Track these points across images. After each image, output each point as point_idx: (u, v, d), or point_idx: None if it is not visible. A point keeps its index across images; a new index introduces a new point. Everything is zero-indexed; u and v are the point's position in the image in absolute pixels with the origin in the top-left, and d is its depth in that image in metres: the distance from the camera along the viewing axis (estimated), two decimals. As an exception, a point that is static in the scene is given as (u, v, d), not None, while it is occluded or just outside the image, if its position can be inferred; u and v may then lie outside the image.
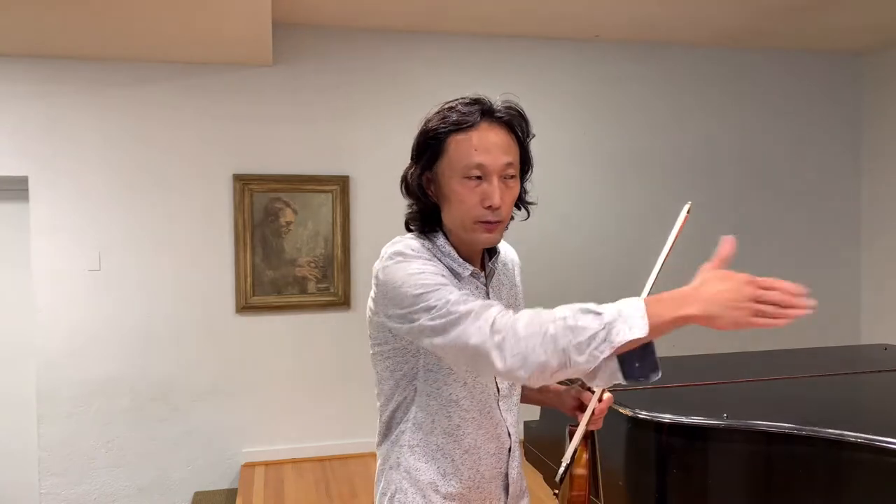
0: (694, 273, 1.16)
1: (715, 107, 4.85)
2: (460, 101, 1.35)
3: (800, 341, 4.26)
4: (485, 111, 1.33)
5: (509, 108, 1.36)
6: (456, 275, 1.38)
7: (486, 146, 1.31)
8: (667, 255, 1.36)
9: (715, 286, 1.09)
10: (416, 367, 1.40)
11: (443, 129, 1.33)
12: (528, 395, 1.61)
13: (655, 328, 1.10)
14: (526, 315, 1.17)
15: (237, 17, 3.36)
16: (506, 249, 1.58)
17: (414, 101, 4.26)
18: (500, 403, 1.46)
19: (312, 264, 4.25)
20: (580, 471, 1.45)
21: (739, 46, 4.83)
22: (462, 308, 1.21)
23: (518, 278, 1.58)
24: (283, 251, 4.21)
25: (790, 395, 2.42)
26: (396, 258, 1.32)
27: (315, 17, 4.09)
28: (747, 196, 4.90)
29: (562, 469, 1.46)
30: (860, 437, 1.79)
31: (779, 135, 4.96)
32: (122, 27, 3.46)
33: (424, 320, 1.24)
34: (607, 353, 1.09)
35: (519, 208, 1.45)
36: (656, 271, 1.35)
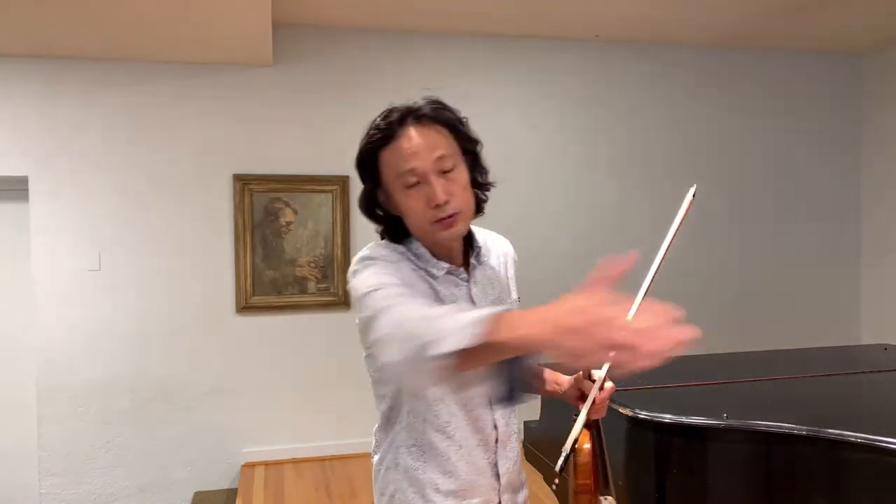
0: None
1: (715, 107, 4.84)
2: (378, 116, 1.36)
3: (800, 341, 4.26)
4: (401, 117, 1.34)
5: (428, 102, 1.36)
6: (431, 275, 1.39)
7: (410, 150, 1.31)
8: (672, 240, 1.38)
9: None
10: None
11: (370, 149, 1.35)
12: (534, 385, 1.59)
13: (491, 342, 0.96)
14: (413, 309, 1.11)
15: (237, 16, 3.37)
16: (497, 241, 1.56)
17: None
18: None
19: (312, 264, 4.25)
20: (583, 459, 1.44)
21: (739, 46, 4.83)
22: (387, 301, 1.17)
23: (511, 270, 1.56)
24: (283, 251, 4.21)
25: (790, 395, 2.42)
26: (363, 262, 1.33)
27: (315, 17, 4.09)
28: (747, 196, 4.89)
29: (562, 459, 1.44)
30: (860, 437, 1.79)
31: (779, 135, 4.95)
32: (122, 27, 3.46)
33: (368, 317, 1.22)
34: (433, 353, 1.00)
35: (480, 190, 1.43)
36: (660, 256, 1.38)
